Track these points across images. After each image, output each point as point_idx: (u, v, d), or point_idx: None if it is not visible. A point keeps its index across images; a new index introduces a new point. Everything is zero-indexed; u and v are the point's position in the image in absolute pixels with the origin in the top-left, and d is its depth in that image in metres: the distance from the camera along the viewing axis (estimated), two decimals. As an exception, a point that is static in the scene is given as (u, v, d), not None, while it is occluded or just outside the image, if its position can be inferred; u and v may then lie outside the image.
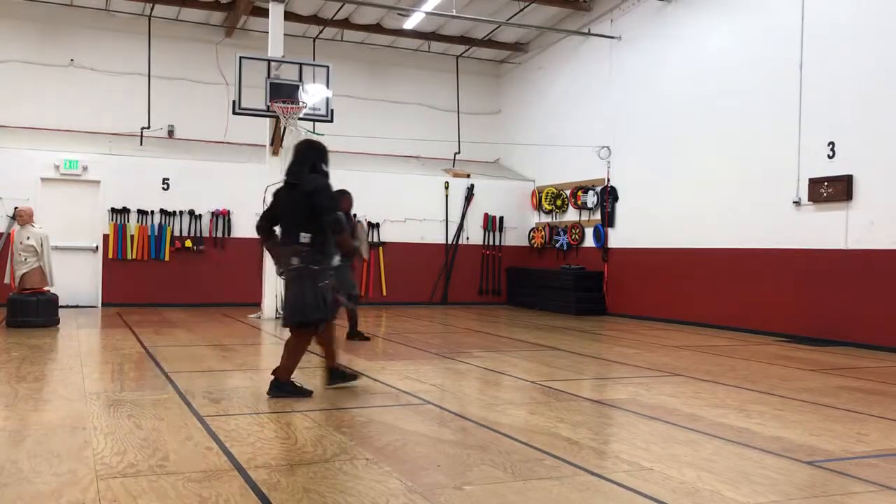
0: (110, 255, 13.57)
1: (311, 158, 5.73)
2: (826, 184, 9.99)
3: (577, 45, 15.09)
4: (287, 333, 5.87)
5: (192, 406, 5.26)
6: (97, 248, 13.61)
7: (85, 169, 13.51)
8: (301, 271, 5.55)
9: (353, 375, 6.17)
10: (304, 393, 5.66)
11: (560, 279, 14.41)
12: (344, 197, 8.90)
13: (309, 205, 5.57)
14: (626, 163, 13.72)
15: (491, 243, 16.22)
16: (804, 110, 10.37)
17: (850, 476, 3.88)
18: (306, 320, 5.60)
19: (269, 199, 11.94)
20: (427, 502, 3.35)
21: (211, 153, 14.59)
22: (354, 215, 9.39)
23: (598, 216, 14.37)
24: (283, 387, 5.64)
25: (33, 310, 9.92)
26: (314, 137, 6.15)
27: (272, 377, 5.71)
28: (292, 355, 5.69)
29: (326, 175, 5.75)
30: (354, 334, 9.28)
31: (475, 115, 17.38)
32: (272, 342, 9.61)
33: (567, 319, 12.94)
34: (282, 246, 5.76)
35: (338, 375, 6.02)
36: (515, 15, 14.82)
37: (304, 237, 5.55)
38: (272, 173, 12.35)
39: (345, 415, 5.17)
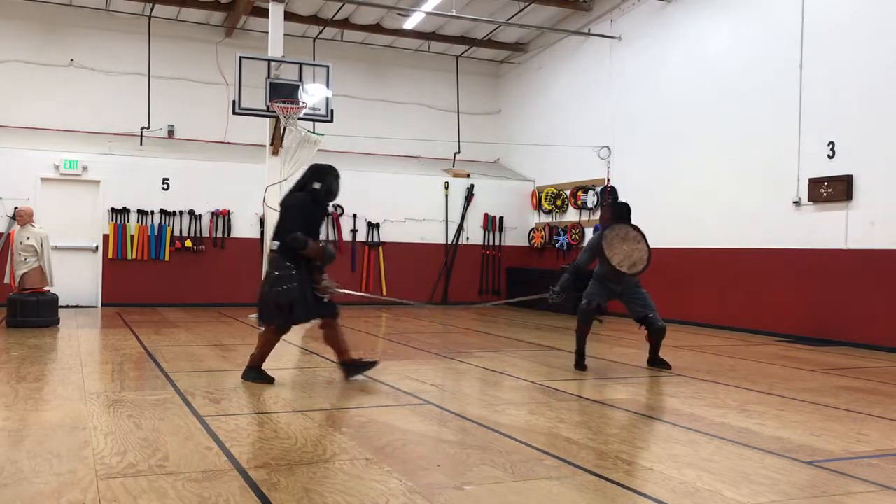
0: (110, 255, 13.57)
1: (303, 178, 6.22)
2: (826, 184, 9.99)
3: (577, 45, 15.09)
4: None
5: (192, 406, 5.26)
6: (97, 248, 13.61)
7: (85, 169, 13.51)
8: (267, 275, 6.14)
9: (372, 362, 6.50)
10: (266, 379, 6.18)
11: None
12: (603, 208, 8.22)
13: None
14: (626, 163, 13.72)
15: (491, 243, 16.22)
16: (804, 110, 10.37)
17: (850, 476, 3.88)
18: (264, 319, 6.23)
19: (269, 198, 12.18)
20: (427, 502, 3.34)
21: (211, 153, 14.58)
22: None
23: (598, 216, 14.35)
24: (248, 372, 6.25)
25: (33, 310, 9.92)
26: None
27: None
28: (259, 346, 6.24)
29: (313, 192, 6.07)
30: (655, 361, 7.46)
31: (475, 114, 17.38)
32: (272, 342, 9.61)
33: (567, 319, 12.90)
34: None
35: (354, 368, 6.36)
36: (515, 15, 14.81)
37: (273, 244, 6.09)
38: (272, 173, 12.36)
39: (345, 415, 5.18)
